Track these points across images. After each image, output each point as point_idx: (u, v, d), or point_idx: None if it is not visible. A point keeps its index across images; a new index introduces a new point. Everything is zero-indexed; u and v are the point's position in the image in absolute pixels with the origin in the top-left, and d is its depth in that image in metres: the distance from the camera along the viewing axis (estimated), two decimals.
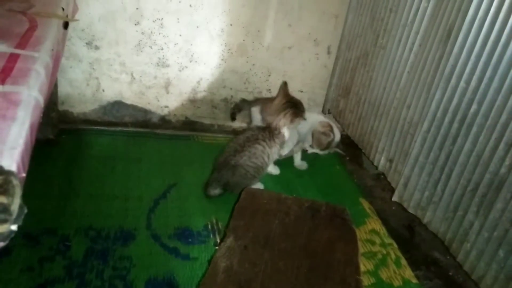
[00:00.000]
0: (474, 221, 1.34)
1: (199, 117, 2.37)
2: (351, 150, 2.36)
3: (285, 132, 1.81)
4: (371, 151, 1.95)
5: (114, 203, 1.69)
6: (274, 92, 2.39)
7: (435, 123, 1.50)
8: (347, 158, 2.42)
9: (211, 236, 1.60)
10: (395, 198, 1.71)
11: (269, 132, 1.78)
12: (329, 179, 2.10)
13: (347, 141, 2.34)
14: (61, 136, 2.04)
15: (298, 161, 2.16)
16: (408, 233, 1.85)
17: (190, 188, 1.85)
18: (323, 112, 2.50)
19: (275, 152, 1.81)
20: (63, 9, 1.10)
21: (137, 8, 2.04)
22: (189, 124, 2.37)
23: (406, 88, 1.69)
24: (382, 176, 2.04)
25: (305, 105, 2.50)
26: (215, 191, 1.76)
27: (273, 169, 2.03)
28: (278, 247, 1.29)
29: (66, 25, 1.16)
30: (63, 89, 2.14)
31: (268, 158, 1.77)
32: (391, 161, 1.81)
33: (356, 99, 2.12)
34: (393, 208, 2.02)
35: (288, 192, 1.92)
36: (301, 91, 2.45)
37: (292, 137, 1.99)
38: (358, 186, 2.08)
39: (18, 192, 0.61)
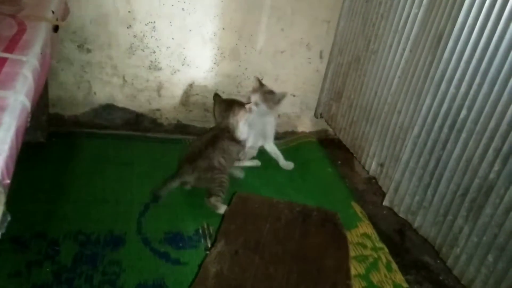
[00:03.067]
0: (463, 226, 1.35)
1: (191, 121, 2.36)
2: (343, 154, 2.37)
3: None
4: (363, 155, 1.96)
5: (104, 207, 1.68)
6: None
7: (426, 128, 1.51)
8: (339, 162, 2.44)
9: (202, 240, 1.60)
10: (386, 202, 1.72)
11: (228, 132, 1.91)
12: (321, 183, 2.10)
13: (339, 145, 2.35)
14: (51, 139, 2.02)
15: (282, 161, 2.18)
16: (399, 237, 1.86)
17: (182, 193, 1.84)
18: (315, 116, 2.51)
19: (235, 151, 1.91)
20: (53, 12, 1.09)
21: (129, 11, 2.03)
22: (181, 128, 2.36)
23: (397, 93, 1.70)
24: (373, 180, 2.05)
25: (297, 109, 2.53)
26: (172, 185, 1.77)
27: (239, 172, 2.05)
28: (269, 252, 1.28)
29: (56, 28, 1.15)
30: (54, 92, 2.12)
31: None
32: (382, 165, 1.82)
33: (348, 104, 2.12)
34: (384, 212, 2.03)
35: (280, 195, 1.92)
36: (294, 95, 2.45)
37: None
38: (350, 190, 2.08)
39: (1, 199, 0.60)
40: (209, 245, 1.56)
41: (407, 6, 1.64)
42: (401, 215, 1.65)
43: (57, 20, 1.15)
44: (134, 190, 1.80)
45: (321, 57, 2.37)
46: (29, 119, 0.85)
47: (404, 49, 1.66)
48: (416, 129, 1.55)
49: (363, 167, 1.97)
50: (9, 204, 1.60)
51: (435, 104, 1.46)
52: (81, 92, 2.17)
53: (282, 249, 1.30)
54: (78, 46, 2.06)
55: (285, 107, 2.46)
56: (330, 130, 2.46)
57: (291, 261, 1.26)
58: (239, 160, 2.00)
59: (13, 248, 1.41)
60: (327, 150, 2.47)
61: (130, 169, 1.93)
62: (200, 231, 1.64)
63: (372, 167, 1.87)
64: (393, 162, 1.71)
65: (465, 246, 1.33)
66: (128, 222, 1.63)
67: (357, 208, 1.89)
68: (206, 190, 1.77)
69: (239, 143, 1.93)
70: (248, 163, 2.11)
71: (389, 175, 1.73)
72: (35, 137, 1.94)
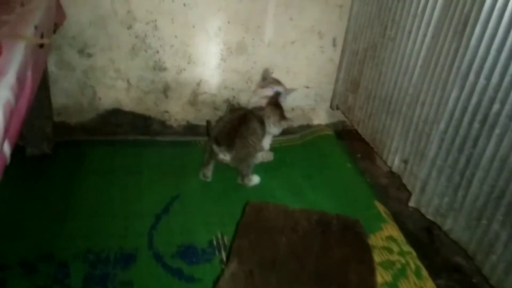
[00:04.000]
0: (500, 232, 1.22)
1: (201, 120, 2.27)
2: (362, 146, 2.24)
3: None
4: (384, 150, 1.83)
5: (114, 222, 1.60)
6: None
7: (453, 123, 1.37)
8: (358, 155, 2.31)
9: (216, 253, 1.51)
10: (411, 203, 1.60)
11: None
12: (341, 180, 1.98)
13: (357, 137, 2.22)
14: (58, 150, 1.96)
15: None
16: (427, 237, 1.74)
17: (194, 200, 1.76)
18: (331, 108, 2.38)
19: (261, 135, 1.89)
20: (36, 27, 1.00)
21: (128, 11, 1.93)
22: (191, 128, 2.27)
23: (419, 84, 1.56)
24: (396, 174, 1.92)
25: (312, 101, 2.40)
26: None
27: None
28: (287, 270, 1.19)
29: (41, 44, 1.06)
30: (58, 100, 2.05)
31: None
32: (405, 162, 1.68)
33: (365, 95, 1.98)
34: (410, 209, 1.91)
35: (297, 196, 1.82)
36: (307, 87, 2.32)
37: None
38: (371, 186, 1.96)
39: None
40: (224, 258, 1.48)
41: None
42: (429, 217, 1.53)
43: (42, 36, 1.06)
44: (144, 200, 1.73)
45: (334, 45, 2.22)
46: (7, 159, 0.76)
47: (425, 35, 1.51)
48: (442, 124, 1.41)
49: (385, 163, 1.84)
50: (16, 221, 1.56)
51: (463, 96, 1.32)
52: (85, 98, 2.10)
53: (300, 266, 1.20)
54: (79, 51, 1.98)
55: (299, 99, 2.34)
56: (348, 121, 2.33)
57: (310, 279, 1.16)
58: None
59: (21, 272, 1.36)
60: (345, 142, 2.35)
61: (139, 178, 1.85)
62: (214, 242, 1.56)
63: (395, 163, 1.75)
64: (418, 159, 1.58)
65: (503, 254, 1.21)
66: (139, 236, 1.55)
67: (381, 208, 1.77)
68: (238, 171, 1.83)
69: (264, 129, 1.89)
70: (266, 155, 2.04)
71: (414, 173, 1.60)
72: (41, 149, 1.89)
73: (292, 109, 2.35)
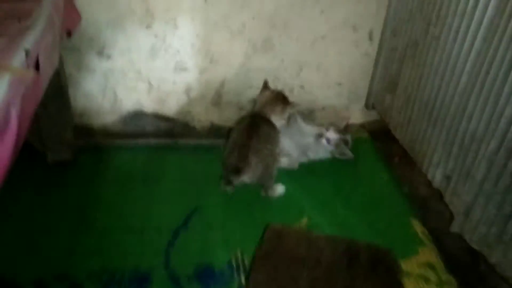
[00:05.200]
0: None
1: (225, 121, 2.15)
2: (400, 149, 2.04)
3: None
4: (424, 161, 1.64)
5: (130, 237, 1.54)
6: (307, 89, 2.11)
7: (506, 145, 1.17)
8: (396, 159, 2.12)
9: (235, 275, 1.42)
10: (454, 228, 1.42)
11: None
12: (374, 192, 1.82)
13: (395, 137, 2.02)
14: (79, 155, 1.91)
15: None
16: (471, 260, 1.56)
17: (214, 213, 1.67)
18: (366, 107, 2.19)
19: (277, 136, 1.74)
20: (26, 52, 0.90)
21: (146, 10, 1.81)
22: (215, 130, 2.16)
23: (466, 93, 1.35)
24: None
25: (345, 99, 2.21)
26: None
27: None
28: None
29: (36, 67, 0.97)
30: (79, 103, 2.00)
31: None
32: (448, 178, 1.50)
33: (404, 97, 1.78)
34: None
35: (325, 209, 1.68)
36: (339, 84, 2.14)
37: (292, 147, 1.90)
38: (409, 198, 1.78)
39: None
40: (243, 281, 1.39)
41: None
42: (473, 246, 1.35)
43: (37, 59, 0.96)
44: (163, 213, 1.65)
45: (370, 38, 2.01)
46: None
47: (474, 37, 1.30)
48: (493, 144, 1.22)
49: (425, 175, 1.66)
50: (31, 236, 1.53)
51: None
52: (107, 101, 2.03)
53: None
54: (97, 53, 1.89)
55: (331, 98, 2.17)
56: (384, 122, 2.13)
57: None
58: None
59: None
60: (381, 144, 2.16)
61: (159, 187, 1.78)
62: (233, 262, 1.46)
63: (437, 177, 1.56)
64: (463, 177, 1.39)
65: None
66: (155, 254, 1.48)
67: (418, 227, 1.60)
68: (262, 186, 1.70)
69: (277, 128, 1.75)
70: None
71: (458, 193, 1.42)
72: (62, 155, 1.85)
73: (323, 108, 2.18)
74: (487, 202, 1.26)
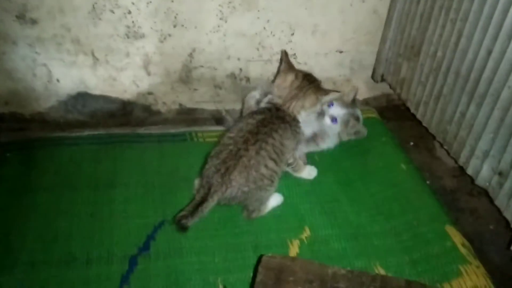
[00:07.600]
0: None
1: (198, 102, 1.70)
2: (415, 129, 1.65)
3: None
4: (462, 151, 1.25)
5: (70, 271, 1.11)
6: (300, 58, 1.67)
7: None
8: (411, 143, 1.71)
9: None
10: None
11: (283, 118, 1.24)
12: (391, 188, 1.41)
13: (408, 116, 1.61)
14: (5, 153, 1.44)
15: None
16: None
17: (183, 234, 1.22)
18: (373, 79, 1.76)
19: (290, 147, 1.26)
20: None
21: None
22: (186, 114, 1.71)
23: None
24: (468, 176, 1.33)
25: (347, 70, 1.77)
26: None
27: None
28: None
29: None
30: (3, 84, 1.52)
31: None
32: (501, 175, 1.10)
33: (430, 65, 1.36)
34: (491, 227, 1.36)
35: (331, 216, 1.28)
36: (340, 51, 1.70)
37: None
38: (436, 196, 1.39)
39: None
40: None
41: None
42: None
43: None
44: (117, 232, 1.22)
45: None
46: None
47: None
48: None
49: (463, 168, 1.26)
50: None
51: None
52: (38, 81, 1.55)
53: None
54: (17, 17, 1.39)
55: (330, 69, 1.73)
56: (394, 93, 1.72)
57: None
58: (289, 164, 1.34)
59: None
60: (392, 124, 1.75)
61: (111, 195, 1.33)
62: None
63: (482, 173, 1.17)
64: None
65: None
66: None
67: (457, 238, 1.21)
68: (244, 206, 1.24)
69: (296, 134, 1.28)
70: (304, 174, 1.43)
71: None
72: None
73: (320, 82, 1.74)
74: None
